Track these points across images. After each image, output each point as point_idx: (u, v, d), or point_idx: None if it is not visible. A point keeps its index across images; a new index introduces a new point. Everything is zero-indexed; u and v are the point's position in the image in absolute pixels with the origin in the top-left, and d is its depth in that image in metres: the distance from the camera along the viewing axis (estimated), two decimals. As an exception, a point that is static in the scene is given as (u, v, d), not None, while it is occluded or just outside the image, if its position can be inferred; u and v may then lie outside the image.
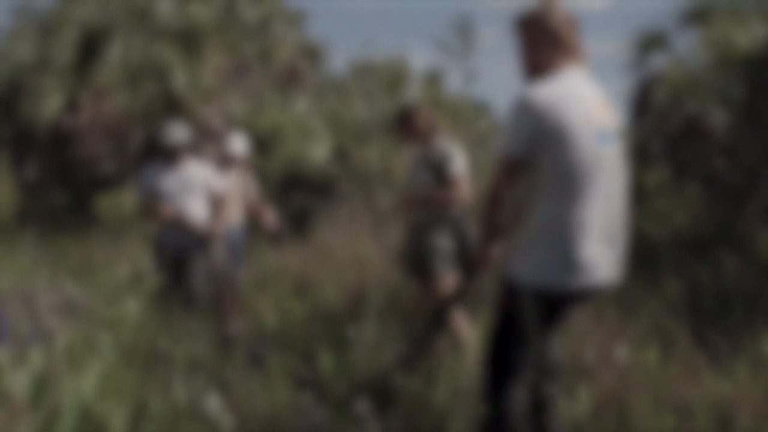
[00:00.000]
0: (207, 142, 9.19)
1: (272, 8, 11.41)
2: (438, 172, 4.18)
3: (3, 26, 10.98)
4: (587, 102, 2.50)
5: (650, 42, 8.02)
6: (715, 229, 6.13)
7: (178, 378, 3.35)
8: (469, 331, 4.06)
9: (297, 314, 5.22)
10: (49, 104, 9.62)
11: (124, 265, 6.37)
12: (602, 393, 3.11)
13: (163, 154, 5.07)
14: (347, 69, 12.85)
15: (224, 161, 6.03)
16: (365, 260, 6.16)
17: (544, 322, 2.55)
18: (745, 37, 6.51)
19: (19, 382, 2.78)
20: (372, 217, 7.84)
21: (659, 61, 8.06)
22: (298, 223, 8.59)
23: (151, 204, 4.99)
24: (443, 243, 4.17)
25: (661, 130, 7.49)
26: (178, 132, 5.04)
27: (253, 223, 6.38)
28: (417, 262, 4.25)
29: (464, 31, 10.54)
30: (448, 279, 4.13)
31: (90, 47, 9.99)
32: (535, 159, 2.44)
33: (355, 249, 6.63)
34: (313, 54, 12.58)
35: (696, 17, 7.47)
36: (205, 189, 5.11)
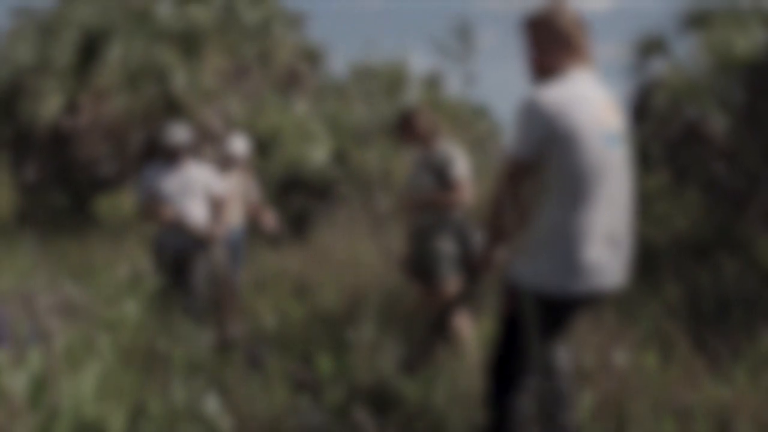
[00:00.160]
0: (207, 143, 9.20)
1: (272, 10, 11.41)
2: (440, 174, 4.17)
3: (3, 27, 10.98)
4: (595, 105, 2.48)
5: (650, 47, 8.03)
6: (715, 233, 6.13)
7: (177, 379, 3.34)
8: (470, 332, 4.05)
9: (296, 316, 5.22)
10: (49, 105, 9.62)
11: (123, 267, 6.37)
12: (602, 397, 3.11)
13: (164, 155, 5.06)
14: (347, 71, 12.87)
15: (225, 162, 6.03)
16: (364, 263, 6.16)
17: (549, 327, 2.52)
18: (745, 41, 6.52)
19: (18, 383, 2.78)
20: (371, 220, 7.84)
21: (659, 66, 8.06)
22: (298, 225, 8.59)
23: (152, 205, 4.97)
24: (447, 247, 4.14)
25: (660, 134, 7.49)
26: (179, 133, 5.03)
27: (252, 225, 6.37)
28: (420, 266, 4.23)
29: (464, 34, 10.56)
30: (452, 283, 4.11)
31: (90, 49, 10.00)
32: (543, 162, 2.41)
33: (354, 251, 6.63)
34: (312, 56, 12.59)
35: (696, 22, 7.48)
36: (205, 191, 5.09)
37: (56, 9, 10.67)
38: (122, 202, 10.75)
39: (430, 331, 3.78)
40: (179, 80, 9.65)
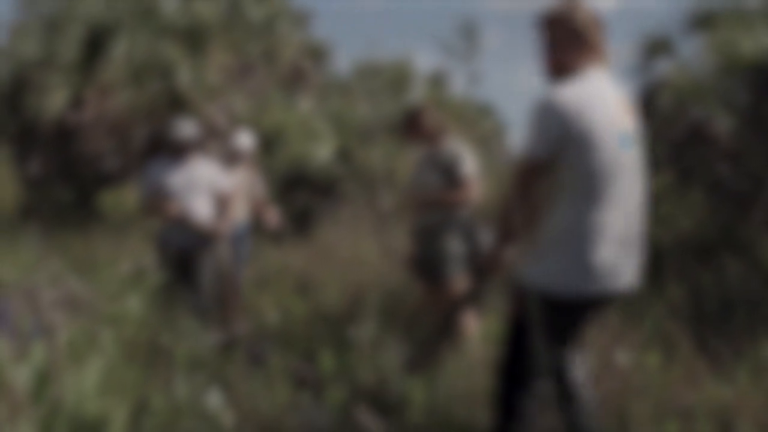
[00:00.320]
0: (211, 140, 9.20)
1: (277, 8, 11.42)
2: (447, 173, 4.14)
3: (9, 22, 10.99)
4: (611, 105, 2.45)
5: (655, 47, 8.02)
6: (718, 234, 6.12)
7: (180, 375, 3.35)
8: (474, 331, 4.04)
9: (299, 314, 5.22)
10: (54, 100, 9.64)
11: (126, 262, 6.37)
12: (604, 397, 3.10)
13: (170, 150, 5.04)
14: (351, 69, 12.88)
15: (231, 157, 6.02)
16: (367, 261, 6.16)
17: (559, 329, 2.50)
18: (751, 42, 6.50)
19: (21, 377, 2.79)
20: (375, 218, 7.84)
21: (664, 66, 8.05)
22: (301, 222, 8.60)
23: (156, 201, 4.96)
24: (454, 245, 4.12)
25: (665, 135, 7.48)
26: (186, 128, 5.00)
27: (255, 222, 6.38)
28: (427, 264, 4.20)
29: (469, 33, 10.55)
30: (459, 282, 4.10)
31: (95, 44, 10.01)
32: (557, 162, 2.39)
33: (357, 249, 6.63)
34: (317, 54, 12.59)
35: (701, 22, 7.46)
36: (211, 188, 5.07)
37: (62, 4, 10.68)
38: (126, 197, 10.78)
39: (437, 331, 3.76)
40: (184, 76, 9.66)
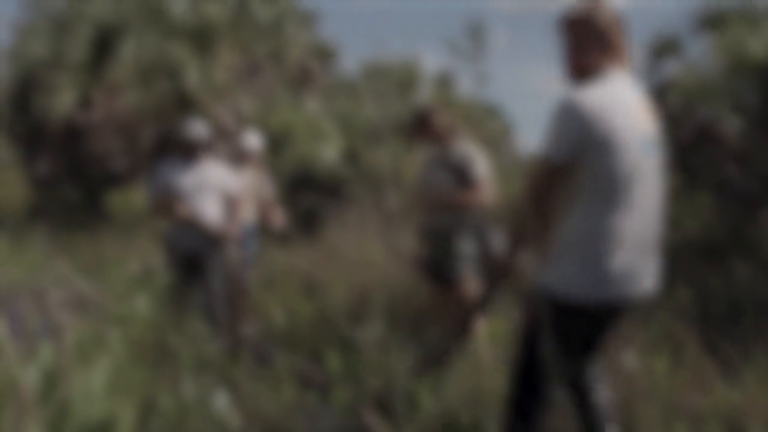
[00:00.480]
0: (219, 140, 9.22)
1: (285, 8, 11.44)
2: (459, 174, 4.12)
3: (18, 22, 11.03)
4: (632, 109, 2.41)
5: (663, 47, 8.00)
6: (726, 235, 6.10)
7: (187, 376, 3.36)
8: (482, 332, 4.03)
9: (304, 315, 5.22)
10: (62, 101, 9.68)
11: (134, 262, 6.39)
12: (612, 400, 3.09)
13: (181, 151, 5.02)
14: (358, 70, 12.88)
15: (238, 157, 6.02)
16: (374, 262, 6.16)
17: (576, 336, 2.46)
18: (759, 43, 6.48)
19: (30, 377, 2.79)
20: (381, 219, 7.85)
21: (672, 67, 8.03)
22: (308, 223, 8.60)
23: (166, 201, 4.94)
24: (466, 247, 4.11)
25: (673, 136, 7.46)
26: (198, 128, 4.99)
27: (261, 223, 6.38)
28: (438, 266, 4.18)
29: (476, 33, 10.55)
30: (471, 284, 4.09)
31: (103, 44, 10.05)
32: (577, 165, 2.34)
33: (363, 250, 6.63)
34: (324, 54, 12.60)
35: (710, 23, 7.44)
36: (221, 189, 5.04)
37: (70, 4, 10.73)
38: (134, 197, 10.81)
39: (448, 335, 3.73)
40: (191, 77, 9.69)
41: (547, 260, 2.45)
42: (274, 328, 5.09)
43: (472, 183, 4.11)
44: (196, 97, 9.67)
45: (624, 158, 2.33)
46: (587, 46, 2.49)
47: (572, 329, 2.44)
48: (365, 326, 4.11)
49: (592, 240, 2.36)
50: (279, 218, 6.26)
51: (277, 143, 9.30)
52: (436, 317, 4.34)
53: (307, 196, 9.36)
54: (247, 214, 5.86)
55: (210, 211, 4.96)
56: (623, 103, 2.39)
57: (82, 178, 10.44)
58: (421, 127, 4.31)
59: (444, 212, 4.18)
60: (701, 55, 7.62)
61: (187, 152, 4.97)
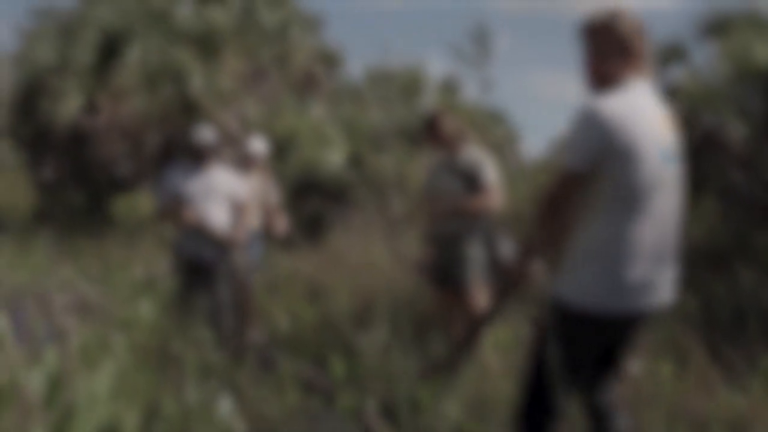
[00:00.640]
0: (224, 145, 9.24)
1: (290, 13, 11.46)
2: (468, 179, 4.11)
3: (24, 28, 11.08)
4: (653, 119, 2.38)
5: (668, 53, 7.99)
6: (731, 241, 6.09)
7: (191, 380, 3.36)
8: (487, 338, 4.02)
9: (309, 320, 5.23)
10: (68, 105, 9.71)
11: (138, 267, 6.40)
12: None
13: (189, 156, 5.02)
14: (363, 75, 12.89)
15: (243, 163, 6.03)
16: (378, 267, 6.15)
17: (590, 347, 2.42)
18: (764, 49, 6.46)
19: (34, 381, 2.80)
20: (386, 224, 7.84)
21: (677, 73, 8.02)
22: (312, 228, 8.60)
23: (174, 207, 4.92)
24: (476, 253, 4.10)
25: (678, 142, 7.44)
26: (207, 133, 4.99)
27: (265, 228, 6.38)
28: (447, 272, 4.17)
29: (480, 39, 10.56)
30: (480, 289, 4.08)
31: (109, 50, 10.09)
32: (597, 174, 2.31)
33: (368, 255, 6.63)
34: (329, 60, 12.62)
35: (714, 29, 7.43)
36: (229, 196, 5.03)
37: (76, 10, 10.77)
38: (139, 202, 10.82)
39: (457, 343, 3.71)
40: (197, 82, 9.71)
41: (563, 269, 2.41)
42: (278, 333, 5.09)
43: (483, 189, 4.10)
44: (201, 103, 9.70)
45: (644, 168, 2.30)
46: (608, 53, 2.46)
47: (587, 340, 2.40)
48: (369, 331, 4.11)
49: (611, 249, 2.32)
50: (282, 224, 6.26)
51: (282, 148, 9.31)
52: (441, 323, 4.33)
53: (312, 201, 9.36)
54: (253, 219, 5.86)
55: (218, 216, 4.95)
56: (644, 112, 2.36)
57: (87, 182, 10.47)
58: (429, 131, 4.31)
59: (453, 217, 4.16)
60: (706, 61, 7.61)
61: (196, 157, 4.97)
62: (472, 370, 3.58)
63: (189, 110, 9.65)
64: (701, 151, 7.12)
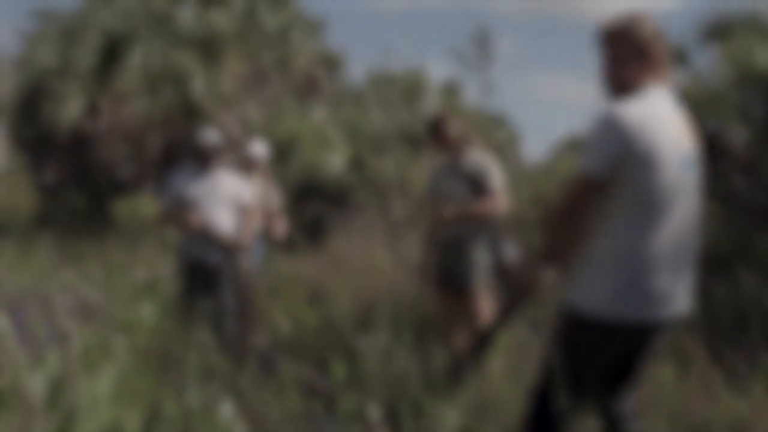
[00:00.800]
0: (225, 149, 9.24)
1: (291, 16, 11.47)
2: (473, 183, 4.11)
3: (25, 30, 11.10)
4: (673, 126, 2.37)
5: (671, 59, 7.99)
6: (733, 246, 6.08)
7: (192, 383, 3.35)
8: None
9: (310, 323, 5.22)
10: (69, 108, 9.73)
11: (140, 270, 6.40)
12: None
13: (195, 158, 5.01)
14: (365, 78, 12.90)
15: (245, 166, 6.03)
16: (379, 270, 6.15)
17: (608, 359, 2.40)
18: (766, 53, 6.47)
19: (35, 384, 2.80)
20: (387, 227, 7.84)
21: (678, 77, 8.02)
22: (313, 231, 8.60)
23: (178, 211, 4.91)
24: (482, 257, 4.09)
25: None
26: (211, 136, 4.97)
27: (265, 231, 6.38)
28: (450, 275, 4.17)
29: (482, 42, 10.55)
30: (484, 293, 4.08)
31: (111, 53, 10.11)
32: (615, 180, 2.28)
33: (369, 259, 6.62)
34: (331, 63, 12.63)
35: (716, 33, 7.43)
36: (234, 200, 5.00)
37: (78, 12, 10.79)
38: (140, 205, 10.83)
39: (468, 353, 3.69)
40: (198, 85, 9.73)
41: (579, 277, 2.38)
42: (280, 336, 5.08)
43: (489, 192, 4.09)
44: (202, 106, 9.71)
45: (663, 174, 2.28)
46: (627, 59, 2.44)
47: (599, 348, 2.37)
48: (370, 335, 4.10)
49: (630, 257, 2.30)
50: (281, 227, 6.26)
51: (283, 151, 9.31)
52: (443, 326, 4.33)
53: (313, 205, 9.36)
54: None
55: (222, 220, 4.93)
56: (663, 119, 2.35)
57: (88, 185, 10.48)
58: (434, 134, 4.30)
59: (459, 221, 4.15)
60: (708, 65, 7.61)
61: (201, 160, 4.96)
62: (477, 374, 3.57)
63: (190, 113, 9.66)
64: (703, 155, 7.12)
